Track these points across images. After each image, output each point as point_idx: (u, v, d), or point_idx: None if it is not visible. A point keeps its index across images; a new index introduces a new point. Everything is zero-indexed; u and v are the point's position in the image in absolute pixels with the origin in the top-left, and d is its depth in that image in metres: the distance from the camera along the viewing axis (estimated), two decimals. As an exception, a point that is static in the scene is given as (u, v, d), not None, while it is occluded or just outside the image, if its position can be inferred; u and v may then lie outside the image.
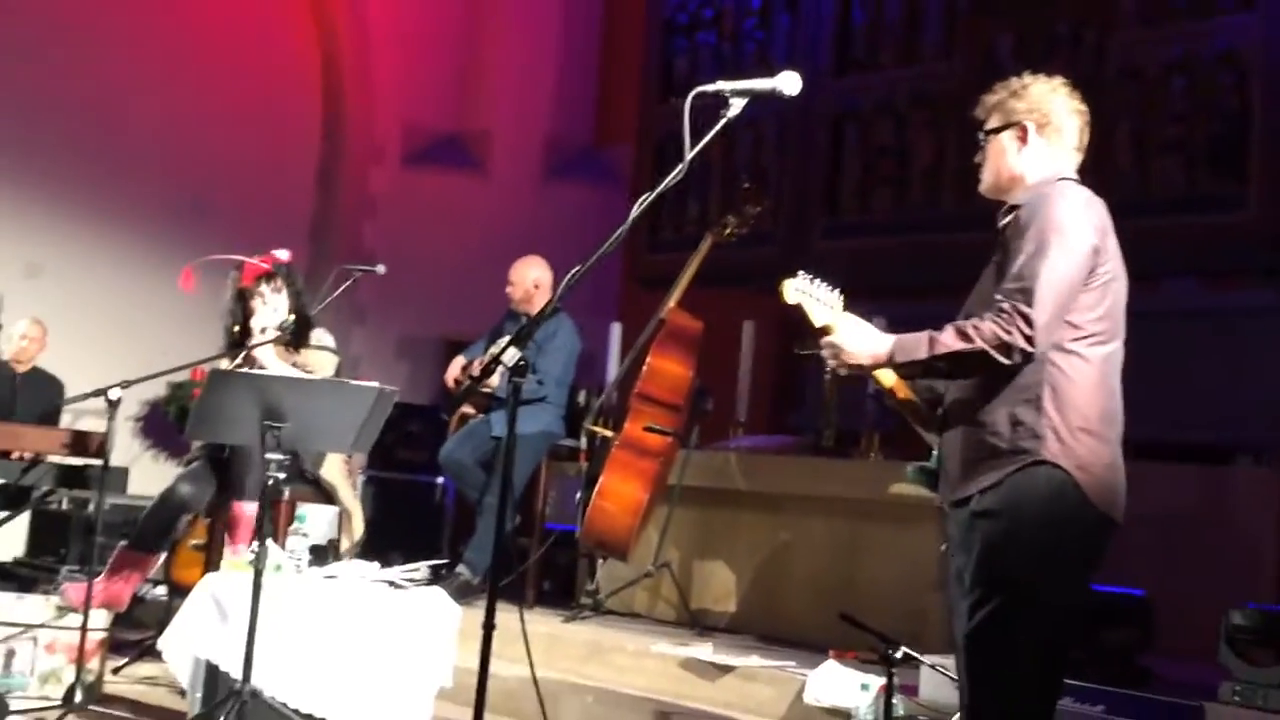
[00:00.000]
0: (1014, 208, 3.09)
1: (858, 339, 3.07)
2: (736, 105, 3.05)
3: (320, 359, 5.36)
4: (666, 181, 3.05)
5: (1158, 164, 6.88)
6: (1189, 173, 6.88)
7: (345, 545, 5.70)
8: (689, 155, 2.99)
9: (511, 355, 3.05)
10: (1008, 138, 3.16)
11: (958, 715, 3.12)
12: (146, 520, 5.25)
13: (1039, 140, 3.14)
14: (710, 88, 3.04)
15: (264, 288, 5.34)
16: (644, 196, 3.06)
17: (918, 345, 2.98)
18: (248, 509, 5.09)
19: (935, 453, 3.16)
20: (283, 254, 5.50)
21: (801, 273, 3.14)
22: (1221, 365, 6.67)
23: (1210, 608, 4.81)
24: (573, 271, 3.06)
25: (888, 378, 3.15)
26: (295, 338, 5.33)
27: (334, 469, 5.71)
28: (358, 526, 5.94)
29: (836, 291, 3.13)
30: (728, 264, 6.52)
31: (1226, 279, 6.83)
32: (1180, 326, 6.30)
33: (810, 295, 3.09)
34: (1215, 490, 5.84)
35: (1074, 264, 2.93)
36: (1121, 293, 3.05)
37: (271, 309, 5.31)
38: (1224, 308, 6.88)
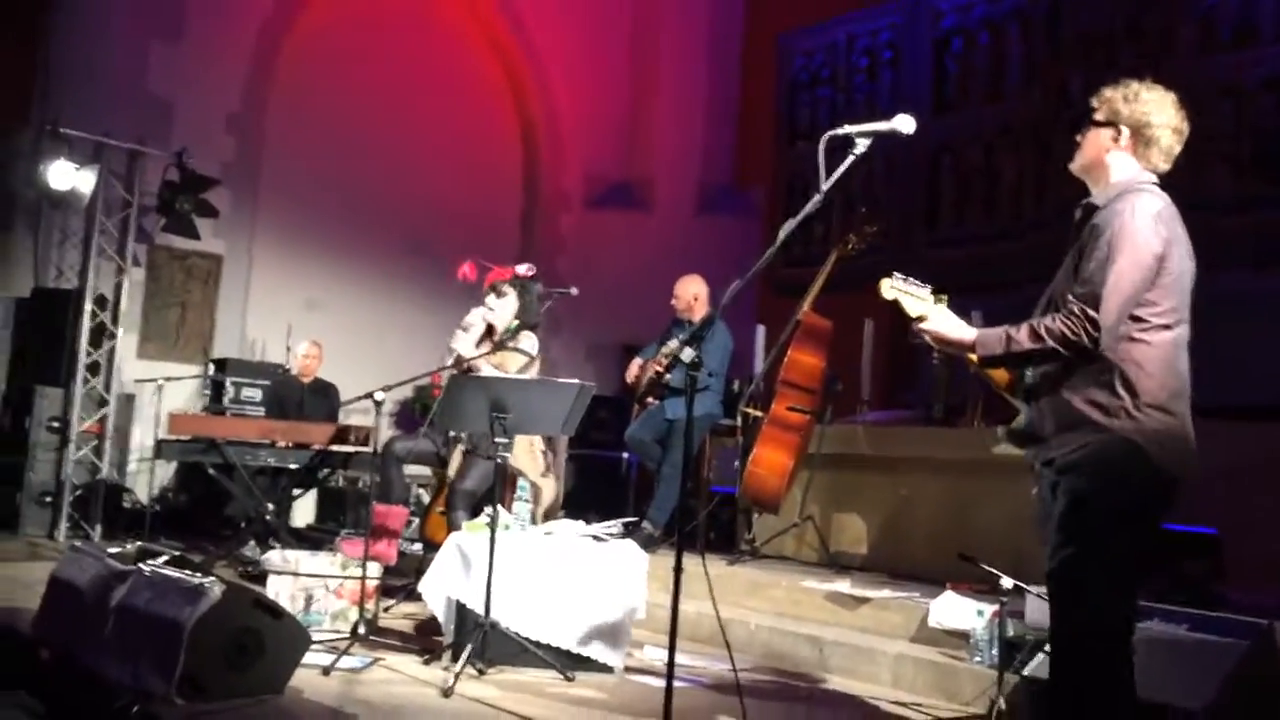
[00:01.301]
0: (1092, 208, 2.91)
1: (947, 328, 2.95)
2: (862, 144, 2.96)
3: (508, 357, 5.28)
4: (808, 208, 2.96)
5: (1209, 173, 6.56)
6: (1236, 180, 6.55)
7: (532, 510, 5.58)
8: (824, 186, 2.91)
9: (688, 354, 3.04)
10: (1105, 134, 2.93)
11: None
12: (380, 477, 5.30)
13: (1130, 145, 2.92)
14: (840, 131, 2.94)
15: (490, 294, 5.36)
16: (789, 222, 2.98)
17: (996, 342, 2.86)
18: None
19: (1021, 416, 3.01)
20: (522, 268, 5.43)
21: (896, 273, 3.02)
22: (1275, 338, 6.33)
23: (1273, 543, 4.57)
24: (734, 285, 3.00)
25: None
26: (499, 342, 5.25)
27: (521, 453, 5.40)
28: (546, 497, 5.84)
29: (928, 287, 3.00)
30: (850, 273, 6.41)
31: (1274, 266, 6.47)
32: (1238, 308, 5.98)
33: (903, 291, 2.98)
34: (1273, 442, 5.53)
35: (1140, 272, 2.77)
36: (1187, 284, 2.87)
37: (488, 310, 5.29)
38: (1273, 290, 6.53)
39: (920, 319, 2.98)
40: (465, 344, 5.26)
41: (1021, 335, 2.82)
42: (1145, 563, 2.86)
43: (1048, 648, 3.04)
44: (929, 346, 3.07)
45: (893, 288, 2.98)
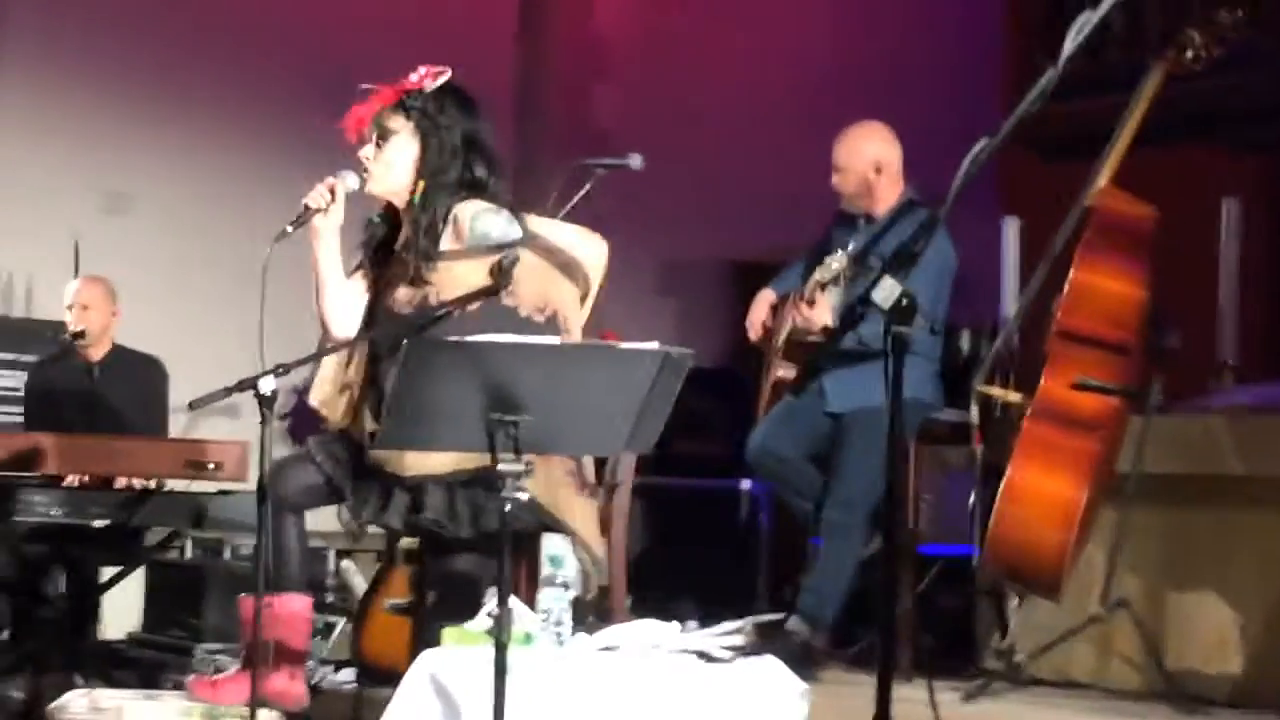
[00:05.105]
0: None
1: None
2: None
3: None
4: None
5: None
6: None
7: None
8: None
9: (889, 289, 3.03)
10: None
11: None
12: (271, 541, 5.17)
13: None
14: None
15: (367, 147, 5.44)
16: (1084, 16, 2.98)
17: None
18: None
19: None
20: (416, 76, 5.38)
21: None
22: None
23: None
24: (975, 150, 3.01)
25: None
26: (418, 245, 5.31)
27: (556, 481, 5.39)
28: (599, 570, 5.75)
29: None
30: (1190, 107, 6.35)
31: None
32: None
33: None
34: None
35: None
36: None
37: (355, 176, 5.43)
38: None
39: None
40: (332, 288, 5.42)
41: None
42: None
43: None
44: None
45: None
